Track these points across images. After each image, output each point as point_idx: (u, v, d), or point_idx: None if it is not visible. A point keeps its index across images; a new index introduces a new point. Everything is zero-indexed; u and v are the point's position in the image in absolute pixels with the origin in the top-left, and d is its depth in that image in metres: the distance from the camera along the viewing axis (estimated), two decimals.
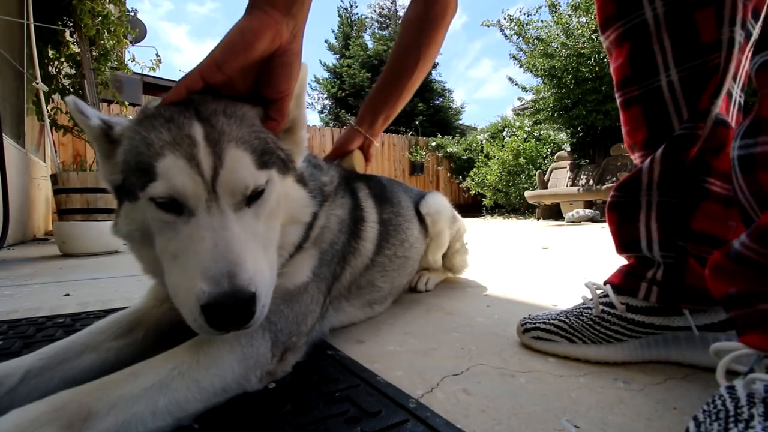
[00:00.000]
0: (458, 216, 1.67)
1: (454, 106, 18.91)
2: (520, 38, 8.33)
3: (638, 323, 0.80)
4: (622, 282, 0.86)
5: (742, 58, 0.78)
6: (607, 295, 0.86)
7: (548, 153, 9.57)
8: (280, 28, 0.70)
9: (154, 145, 0.63)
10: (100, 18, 3.81)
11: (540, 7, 8.11)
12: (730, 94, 0.80)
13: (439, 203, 1.53)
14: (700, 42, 0.75)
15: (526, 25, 8.20)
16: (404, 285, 1.43)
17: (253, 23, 0.69)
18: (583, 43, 7.10)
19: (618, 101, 0.90)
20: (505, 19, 8.30)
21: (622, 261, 0.91)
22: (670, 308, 0.78)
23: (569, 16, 7.54)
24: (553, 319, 0.90)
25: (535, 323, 0.91)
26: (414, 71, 1.39)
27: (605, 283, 0.89)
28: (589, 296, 0.89)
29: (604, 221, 6.32)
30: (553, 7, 7.90)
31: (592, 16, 7.01)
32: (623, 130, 0.91)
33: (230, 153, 0.63)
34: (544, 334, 0.88)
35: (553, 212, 8.33)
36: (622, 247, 0.89)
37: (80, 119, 0.70)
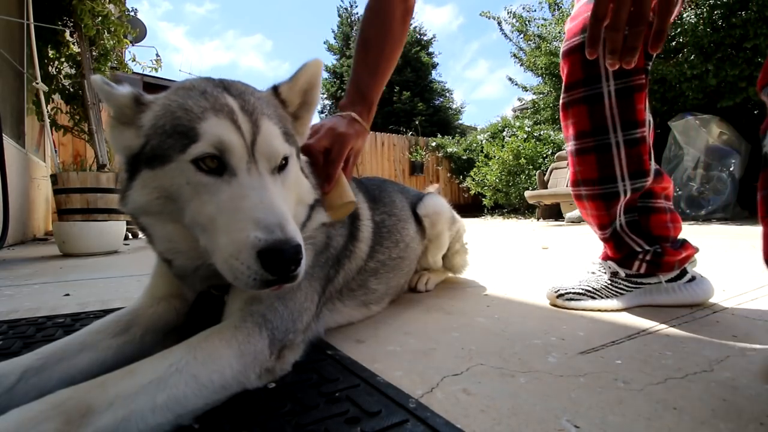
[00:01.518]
0: (457, 217, 1.66)
1: (453, 106, 18.93)
2: (521, 36, 8.32)
3: (632, 282, 1.25)
4: (620, 259, 1.28)
5: None
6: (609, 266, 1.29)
7: (548, 153, 9.55)
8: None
9: (194, 110, 0.68)
10: (100, 18, 3.82)
11: (541, 2, 8.09)
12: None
13: (437, 204, 1.51)
14: (637, 119, 1.12)
15: (528, 22, 8.19)
16: (402, 285, 1.42)
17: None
18: None
19: (571, 149, 1.23)
20: (509, 14, 8.29)
21: None
22: (649, 274, 1.24)
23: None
24: (578, 286, 1.27)
25: (566, 290, 1.28)
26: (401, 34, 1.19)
27: (606, 259, 1.32)
28: (597, 268, 1.31)
29: None
30: (554, 5, 7.90)
31: None
32: (572, 170, 1.25)
33: (265, 123, 0.71)
34: (575, 296, 1.26)
35: (553, 212, 8.32)
36: (619, 259, 1.28)
37: (106, 90, 0.72)
